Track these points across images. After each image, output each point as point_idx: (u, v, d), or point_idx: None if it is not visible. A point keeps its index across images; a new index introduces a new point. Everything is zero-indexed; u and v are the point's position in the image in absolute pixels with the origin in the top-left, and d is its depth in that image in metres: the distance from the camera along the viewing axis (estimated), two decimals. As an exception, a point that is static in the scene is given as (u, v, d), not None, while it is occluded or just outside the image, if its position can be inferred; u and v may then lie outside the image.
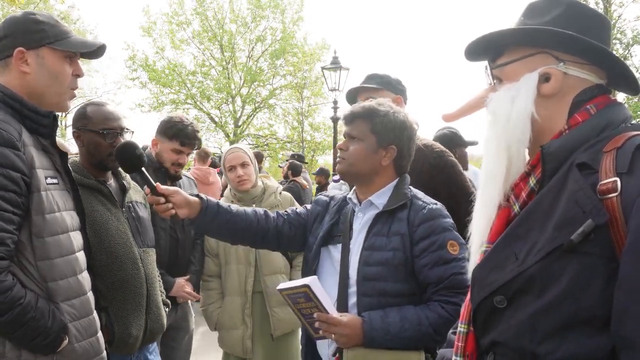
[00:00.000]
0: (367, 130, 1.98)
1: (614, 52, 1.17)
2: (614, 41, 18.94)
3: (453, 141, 4.00)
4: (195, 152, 6.99)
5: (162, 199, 1.95)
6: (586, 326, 1.00)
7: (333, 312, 1.86)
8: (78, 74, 1.88)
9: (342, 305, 1.93)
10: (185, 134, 2.95)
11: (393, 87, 2.71)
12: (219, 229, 2.08)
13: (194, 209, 2.00)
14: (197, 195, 2.04)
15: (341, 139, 2.09)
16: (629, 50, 19.28)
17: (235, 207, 2.12)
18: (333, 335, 1.84)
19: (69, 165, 1.94)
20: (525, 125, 1.15)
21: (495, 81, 1.26)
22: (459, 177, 2.55)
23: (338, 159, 2.05)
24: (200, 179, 6.07)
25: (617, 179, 0.99)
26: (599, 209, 0.99)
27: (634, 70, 19.09)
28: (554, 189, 1.08)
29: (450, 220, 1.96)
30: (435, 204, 1.98)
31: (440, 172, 2.52)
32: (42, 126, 1.79)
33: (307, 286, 1.81)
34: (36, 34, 1.78)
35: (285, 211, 2.23)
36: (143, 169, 2.00)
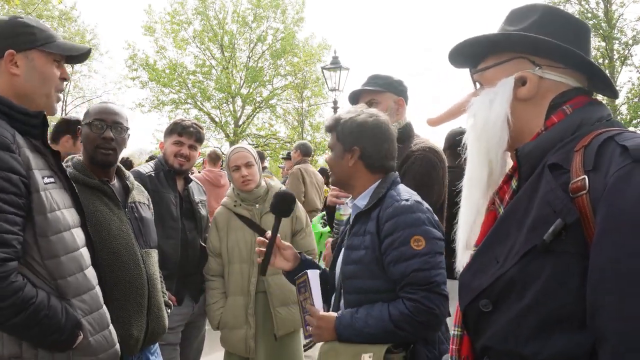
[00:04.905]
0: (335, 139, 2.11)
1: (616, 52, 1.18)
2: (614, 41, 18.91)
3: None
4: (207, 155, 7.11)
5: (269, 251, 2.13)
6: (567, 324, 1.00)
7: (319, 306, 1.99)
8: (65, 77, 1.91)
9: (335, 305, 2.06)
10: (182, 126, 3.17)
11: (395, 88, 2.74)
12: None
13: (295, 263, 2.21)
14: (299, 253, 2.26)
15: None
16: (629, 50, 19.23)
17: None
18: (310, 328, 1.96)
19: (63, 164, 1.95)
20: (503, 128, 1.17)
21: (477, 86, 1.28)
22: (429, 178, 2.51)
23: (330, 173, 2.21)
24: (212, 181, 6.08)
25: (585, 176, 1.00)
26: (569, 208, 0.99)
27: (633, 70, 19.16)
28: (528, 190, 1.10)
29: (421, 215, 1.92)
30: (407, 200, 1.95)
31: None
32: (33, 127, 1.81)
33: (306, 274, 2.01)
34: (26, 36, 1.81)
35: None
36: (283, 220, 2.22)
